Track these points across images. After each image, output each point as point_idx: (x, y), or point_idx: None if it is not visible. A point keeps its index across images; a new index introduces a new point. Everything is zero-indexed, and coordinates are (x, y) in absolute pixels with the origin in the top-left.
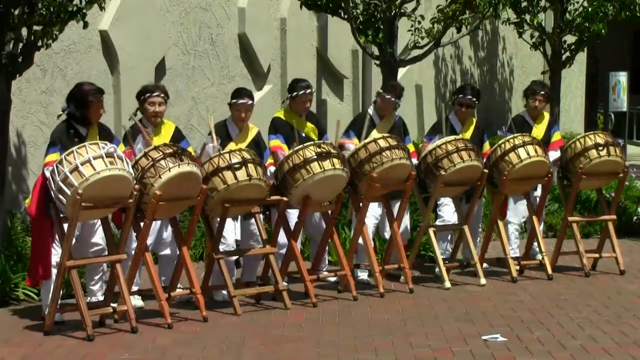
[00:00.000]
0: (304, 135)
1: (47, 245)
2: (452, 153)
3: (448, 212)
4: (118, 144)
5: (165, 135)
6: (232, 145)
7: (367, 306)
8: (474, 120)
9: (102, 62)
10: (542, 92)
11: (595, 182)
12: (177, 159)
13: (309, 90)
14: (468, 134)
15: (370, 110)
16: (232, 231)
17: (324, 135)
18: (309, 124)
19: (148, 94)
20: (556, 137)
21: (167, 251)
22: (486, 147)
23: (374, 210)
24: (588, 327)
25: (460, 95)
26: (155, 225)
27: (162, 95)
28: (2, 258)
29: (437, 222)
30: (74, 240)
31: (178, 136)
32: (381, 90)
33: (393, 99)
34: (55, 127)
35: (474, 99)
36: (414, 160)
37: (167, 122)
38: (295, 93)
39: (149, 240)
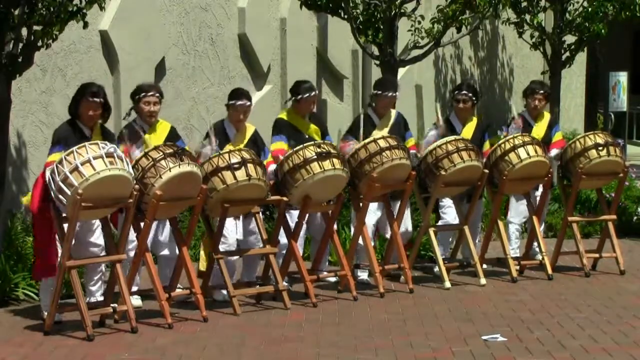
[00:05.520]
0: (307, 136)
1: (51, 241)
2: (452, 153)
3: (451, 214)
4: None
5: (160, 134)
6: (229, 147)
7: (367, 306)
8: (475, 119)
9: (102, 62)
10: (542, 91)
11: (595, 182)
12: (177, 159)
13: (313, 93)
14: (468, 134)
15: (369, 111)
16: (233, 230)
17: (327, 136)
18: (312, 126)
19: (143, 94)
20: (557, 137)
21: (166, 251)
22: (486, 146)
23: (373, 210)
24: (588, 327)
25: (456, 92)
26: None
27: (157, 94)
28: (2, 258)
29: (439, 223)
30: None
31: (174, 136)
32: (380, 91)
33: (394, 94)
34: (59, 126)
35: (470, 94)
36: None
37: (163, 121)
38: (300, 96)
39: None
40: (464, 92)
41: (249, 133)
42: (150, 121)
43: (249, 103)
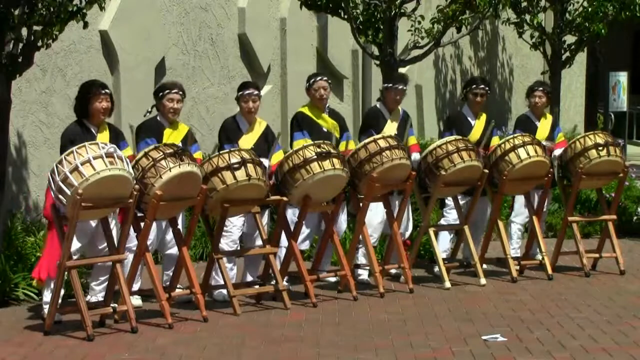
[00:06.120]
0: (325, 130)
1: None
2: (452, 153)
3: (454, 214)
4: (126, 147)
5: (178, 135)
6: (243, 139)
7: (367, 306)
8: (484, 114)
9: (102, 62)
10: (541, 89)
11: (595, 182)
12: (177, 159)
13: (319, 77)
14: (480, 127)
15: (378, 106)
16: (238, 226)
17: (345, 133)
18: (330, 120)
19: (167, 90)
20: (560, 137)
21: (172, 250)
22: (494, 141)
23: (381, 211)
24: (588, 327)
25: (474, 86)
26: (159, 226)
27: (181, 92)
28: (2, 258)
29: (441, 222)
30: (75, 242)
31: (190, 139)
32: (390, 84)
33: (404, 88)
34: (68, 127)
35: (487, 88)
36: (416, 155)
37: (181, 124)
38: (308, 83)
39: (151, 240)
40: (482, 86)
41: (261, 127)
42: (171, 118)
43: (257, 92)
